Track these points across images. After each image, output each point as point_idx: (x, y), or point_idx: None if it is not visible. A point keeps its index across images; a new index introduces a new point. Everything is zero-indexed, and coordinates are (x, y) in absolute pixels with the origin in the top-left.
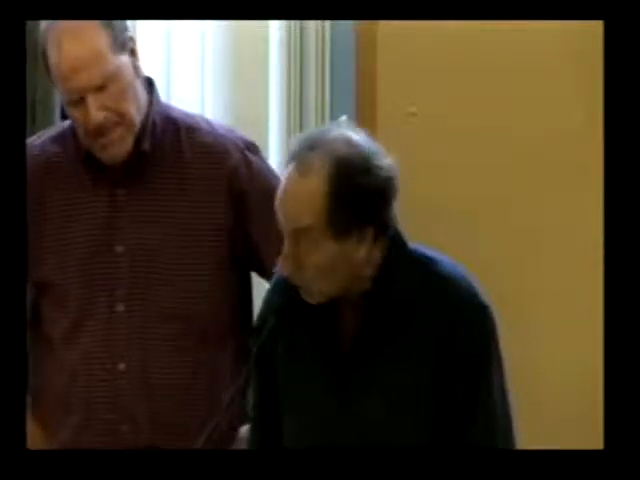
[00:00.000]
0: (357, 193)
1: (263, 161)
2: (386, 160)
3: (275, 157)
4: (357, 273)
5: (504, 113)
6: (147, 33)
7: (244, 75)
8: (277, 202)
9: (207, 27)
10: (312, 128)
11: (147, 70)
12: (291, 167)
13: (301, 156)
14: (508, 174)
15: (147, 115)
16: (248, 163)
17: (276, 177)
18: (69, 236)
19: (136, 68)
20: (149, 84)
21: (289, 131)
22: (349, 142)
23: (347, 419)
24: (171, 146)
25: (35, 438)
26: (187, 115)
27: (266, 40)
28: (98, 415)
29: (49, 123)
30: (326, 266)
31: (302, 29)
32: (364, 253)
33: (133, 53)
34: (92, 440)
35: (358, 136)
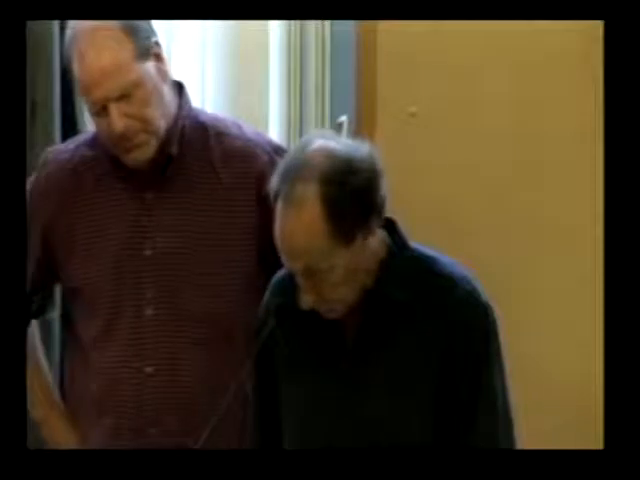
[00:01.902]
0: (351, 198)
1: None
2: (363, 149)
3: None
4: (369, 269)
5: (504, 113)
6: None
7: (244, 75)
8: (278, 244)
9: (207, 27)
10: (286, 153)
11: None
12: (281, 205)
13: (285, 190)
14: (508, 174)
15: (175, 119)
16: (276, 166)
17: None
18: (98, 240)
19: (162, 73)
20: (179, 88)
21: (289, 131)
22: (326, 154)
23: (348, 419)
24: (200, 150)
25: (66, 439)
26: (217, 119)
27: (266, 40)
28: (127, 418)
29: (49, 123)
30: (346, 277)
31: (302, 29)
32: (374, 243)
33: (159, 58)
34: (122, 443)
35: (332, 142)
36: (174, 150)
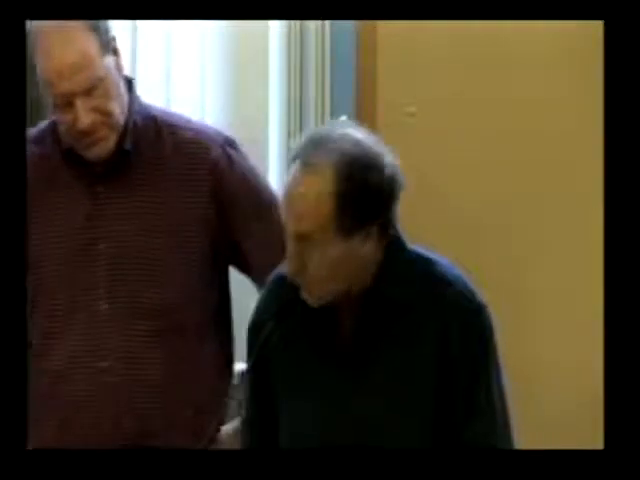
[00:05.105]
0: (363, 192)
1: (243, 156)
2: (390, 157)
3: (275, 157)
4: (361, 270)
5: (504, 113)
6: (147, 33)
7: (244, 75)
8: (282, 203)
9: (207, 27)
10: (314, 127)
11: (147, 70)
12: (296, 167)
13: (306, 155)
14: (507, 174)
15: (128, 114)
16: (228, 157)
17: (255, 172)
18: (50, 235)
19: (120, 67)
20: (128, 83)
21: (289, 131)
22: (354, 141)
23: (345, 420)
24: (152, 144)
25: None
26: (167, 113)
27: (266, 40)
28: (81, 414)
29: None
30: (332, 266)
31: (302, 29)
32: (369, 250)
33: (116, 52)
34: (74, 439)
35: (362, 134)
36: (128, 145)
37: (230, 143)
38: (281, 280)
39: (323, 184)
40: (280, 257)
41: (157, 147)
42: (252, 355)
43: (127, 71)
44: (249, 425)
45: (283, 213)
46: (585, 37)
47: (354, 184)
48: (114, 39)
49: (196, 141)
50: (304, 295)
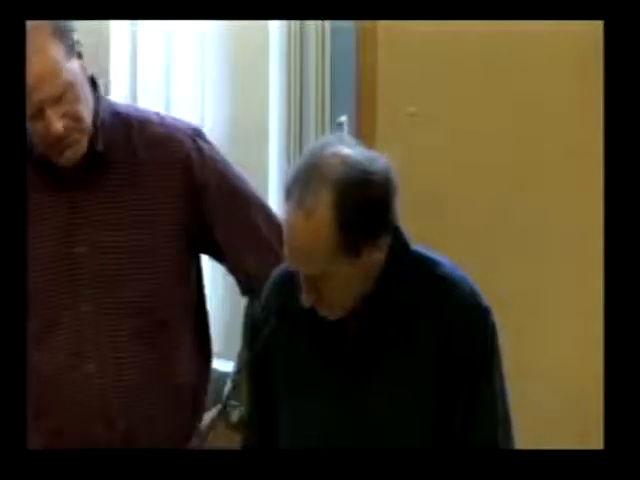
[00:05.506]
0: (362, 210)
1: (213, 147)
2: (380, 163)
3: (275, 158)
4: (371, 277)
5: (504, 113)
6: (147, 33)
7: (244, 75)
8: (285, 247)
9: (207, 27)
10: (302, 156)
11: (147, 70)
12: (291, 207)
13: (299, 193)
14: (508, 174)
15: (96, 114)
16: (200, 150)
17: (227, 162)
18: (29, 242)
19: (84, 70)
20: (92, 82)
21: (289, 131)
22: (342, 161)
23: (348, 420)
24: (123, 142)
25: None
26: (135, 109)
27: (266, 40)
28: (72, 418)
29: None
30: (347, 286)
31: (302, 29)
32: (377, 257)
33: (80, 56)
34: (69, 442)
35: (348, 149)
36: (100, 147)
37: (200, 135)
38: (283, 278)
39: (322, 222)
40: (253, 242)
41: (129, 145)
42: (253, 353)
43: (127, 71)
44: (249, 422)
45: (287, 257)
46: (585, 37)
47: (351, 207)
48: (78, 42)
49: (167, 136)
50: (325, 314)
